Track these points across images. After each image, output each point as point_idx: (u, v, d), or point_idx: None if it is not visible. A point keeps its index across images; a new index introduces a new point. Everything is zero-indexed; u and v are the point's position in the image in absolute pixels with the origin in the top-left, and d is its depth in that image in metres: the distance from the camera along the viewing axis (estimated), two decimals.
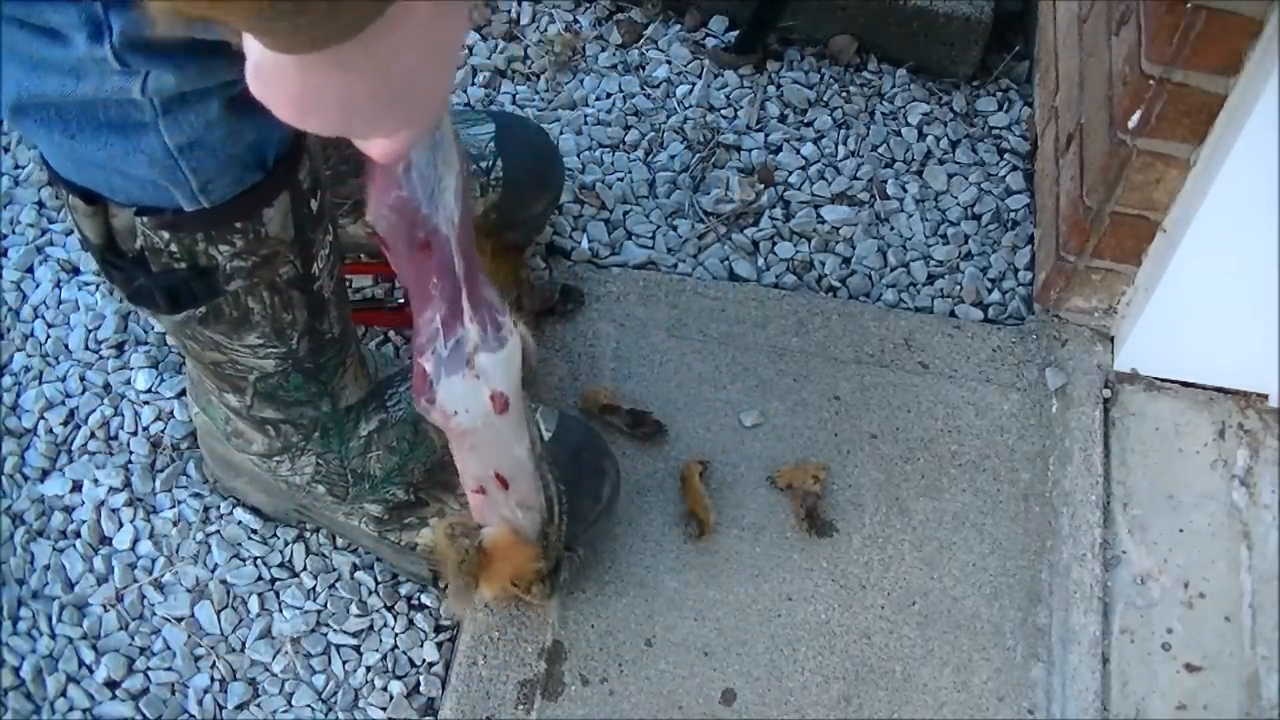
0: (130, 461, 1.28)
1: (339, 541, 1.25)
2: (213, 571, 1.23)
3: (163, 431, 1.29)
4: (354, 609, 1.22)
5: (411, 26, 0.64)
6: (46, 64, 0.77)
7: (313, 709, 1.18)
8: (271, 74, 0.66)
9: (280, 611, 1.22)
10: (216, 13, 0.56)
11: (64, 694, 1.17)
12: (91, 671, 1.19)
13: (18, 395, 1.31)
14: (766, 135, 1.52)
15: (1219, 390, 1.35)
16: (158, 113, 0.79)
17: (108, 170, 0.84)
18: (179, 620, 1.21)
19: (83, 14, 0.74)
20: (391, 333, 1.35)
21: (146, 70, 0.76)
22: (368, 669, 1.20)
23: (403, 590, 1.23)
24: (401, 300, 1.35)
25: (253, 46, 0.65)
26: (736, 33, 1.58)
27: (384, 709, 1.18)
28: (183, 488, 1.27)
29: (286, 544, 1.25)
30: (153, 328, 1.34)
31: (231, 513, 1.25)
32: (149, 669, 1.19)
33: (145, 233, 0.87)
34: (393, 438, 1.13)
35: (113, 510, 1.25)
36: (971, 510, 1.28)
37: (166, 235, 0.87)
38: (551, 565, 1.14)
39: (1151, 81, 1.14)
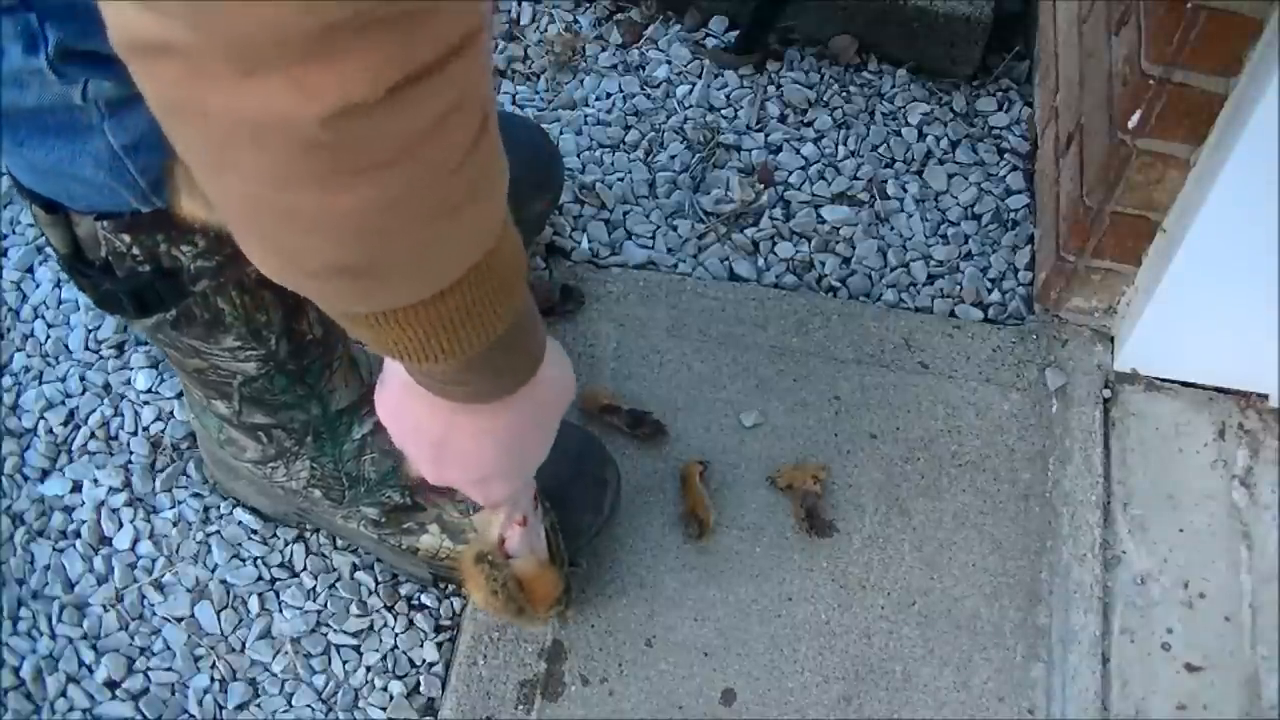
0: (130, 461, 1.28)
1: (339, 542, 1.25)
2: (213, 571, 1.23)
3: (163, 431, 1.29)
4: (354, 609, 1.22)
5: (543, 388, 0.76)
6: None
7: (313, 709, 1.18)
8: (390, 380, 0.78)
9: (280, 611, 1.22)
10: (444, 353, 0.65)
11: (64, 694, 1.17)
12: (91, 671, 1.19)
13: (18, 395, 1.31)
14: (766, 135, 1.52)
15: (1219, 390, 1.35)
16: (103, 115, 0.78)
17: (61, 176, 0.83)
18: (179, 620, 1.21)
19: (17, 25, 0.73)
20: None
21: (85, 79, 0.76)
22: (368, 669, 1.20)
23: (403, 590, 1.23)
24: None
25: (417, 405, 0.77)
26: (736, 33, 1.58)
27: (384, 709, 1.18)
28: (183, 488, 1.27)
29: (286, 544, 1.25)
30: None
31: (231, 513, 1.25)
32: (149, 669, 1.19)
33: (106, 237, 0.87)
34: (387, 441, 1.12)
35: (113, 510, 1.25)
36: (971, 510, 1.28)
37: (128, 239, 0.87)
38: (565, 584, 1.14)
39: (1151, 81, 1.14)
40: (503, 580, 1.06)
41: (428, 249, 0.58)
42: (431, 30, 0.49)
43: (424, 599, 1.23)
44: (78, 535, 1.24)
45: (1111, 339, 1.37)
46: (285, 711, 1.18)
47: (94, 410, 1.30)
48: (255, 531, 1.25)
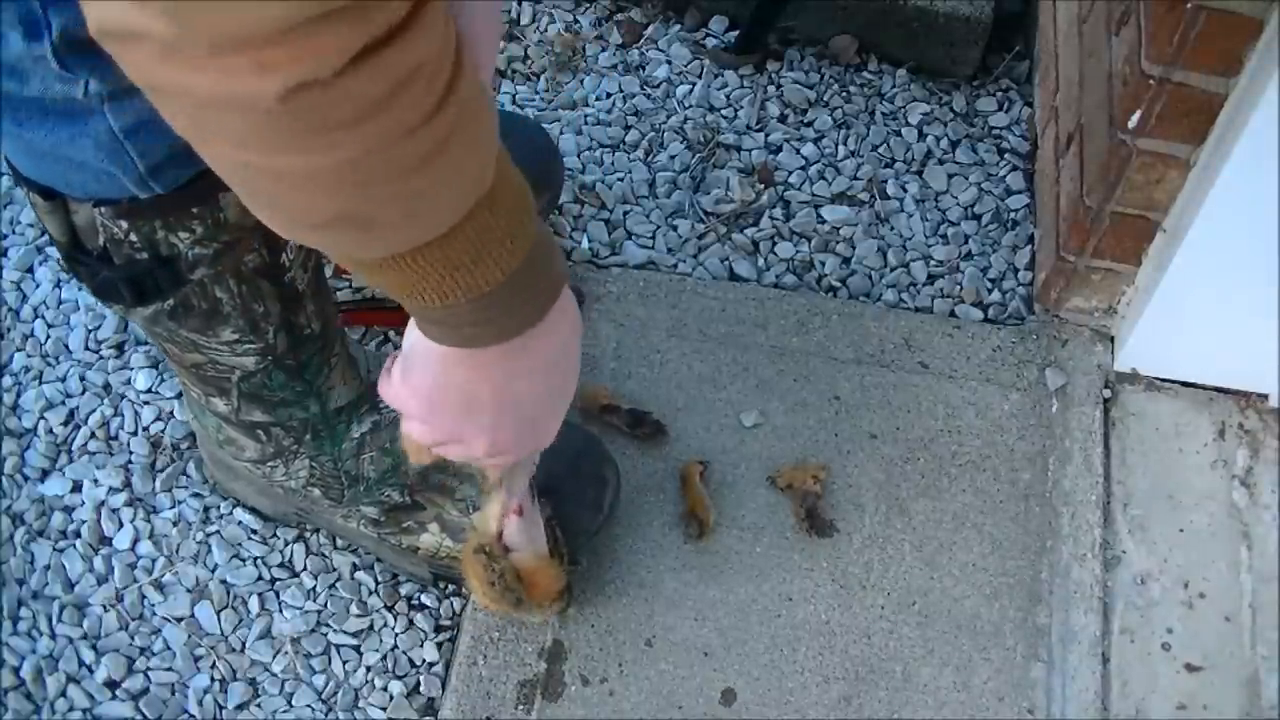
0: (130, 461, 1.28)
1: (339, 542, 1.25)
2: (213, 571, 1.23)
3: (163, 431, 1.29)
4: (354, 609, 1.22)
5: (561, 315, 0.75)
6: None
7: (313, 709, 1.18)
8: (420, 364, 0.77)
9: (280, 611, 1.22)
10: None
11: (64, 694, 1.17)
12: (91, 671, 1.19)
13: (18, 395, 1.31)
14: (766, 135, 1.52)
15: (1219, 390, 1.35)
16: (104, 98, 0.79)
17: (59, 161, 0.83)
18: (179, 620, 1.21)
19: (18, 11, 0.74)
20: (392, 333, 1.35)
21: (87, 77, 0.76)
22: (368, 669, 1.20)
23: (403, 590, 1.23)
24: None
25: (415, 343, 0.77)
26: (736, 33, 1.58)
27: (384, 709, 1.18)
28: (183, 488, 1.27)
29: (286, 544, 1.25)
30: None
31: (231, 513, 1.25)
32: (149, 669, 1.19)
33: (104, 224, 0.87)
34: (386, 439, 1.13)
35: (113, 510, 1.25)
36: (971, 510, 1.28)
37: (125, 224, 0.87)
38: (566, 580, 1.14)
39: (1151, 81, 1.14)
40: (500, 571, 1.07)
41: (412, 199, 0.62)
42: (382, 14, 0.54)
43: (424, 599, 1.23)
44: (78, 535, 1.24)
45: (1111, 339, 1.37)
46: (285, 711, 1.18)
47: (94, 410, 1.30)
48: (255, 531, 1.25)
